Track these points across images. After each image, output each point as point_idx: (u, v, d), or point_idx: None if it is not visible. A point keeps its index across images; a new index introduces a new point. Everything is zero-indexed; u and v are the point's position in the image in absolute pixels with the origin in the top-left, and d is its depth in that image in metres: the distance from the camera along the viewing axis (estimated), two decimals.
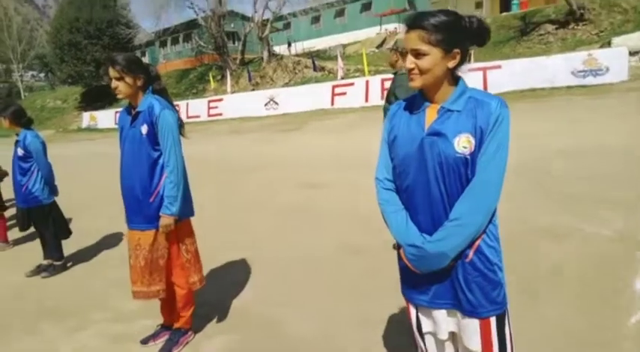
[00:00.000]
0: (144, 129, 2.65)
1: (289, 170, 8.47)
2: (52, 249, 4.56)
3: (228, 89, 25.15)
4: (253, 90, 24.70)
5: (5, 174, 5.37)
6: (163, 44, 37.90)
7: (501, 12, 28.25)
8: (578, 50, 16.96)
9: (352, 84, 20.16)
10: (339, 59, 21.69)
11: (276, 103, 22.05)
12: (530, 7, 25.30)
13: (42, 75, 72.54)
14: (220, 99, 24.59)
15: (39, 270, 4.59)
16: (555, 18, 21.26)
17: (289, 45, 33.57)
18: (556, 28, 20.60)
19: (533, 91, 15.14)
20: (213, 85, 26.47)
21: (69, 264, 4.80)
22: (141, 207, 2.72)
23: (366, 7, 35.10)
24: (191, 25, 32.42)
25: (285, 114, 20.64)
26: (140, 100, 2.70)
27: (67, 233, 4.72)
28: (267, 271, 4.17)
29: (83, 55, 30.71)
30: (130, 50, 35.26)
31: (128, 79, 2.61)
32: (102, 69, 33.32)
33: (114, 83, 2.61)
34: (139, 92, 2.70)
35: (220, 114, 23.98)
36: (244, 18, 32.58)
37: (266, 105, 22.07)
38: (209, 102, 24.77)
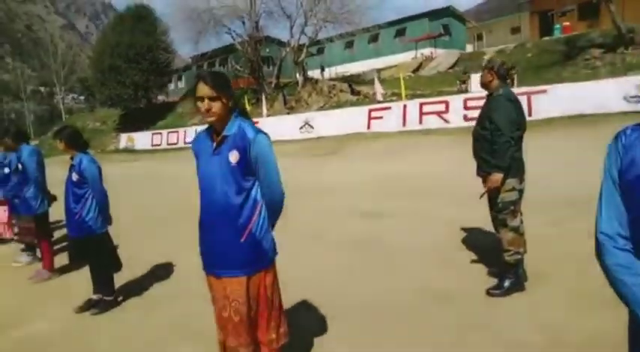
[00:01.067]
0: (233, 156, 2.26)
1: (340, 197, 8.05)
2: (103, 283, 4.23)
3: (264, 112, 25.20)
4: (288, 113, 24.68)
5: (54, 198, 5.12)
6: (200, 68, 38.72)
7: (542, 37, 27.63)
8: (630, 75, 16.16)
9: (389, 108, 19.85)
10: (377, 83, 21.43)
11: (311, 127, 21.88)
12: (574, 32, 24.63)
13: (82, 97, 75.50)
14: (256, 122, 24.44)
15: (89, 305, 4.24)
16: (602, 42, 20.53)
17: (322, 69, 33.75)
18: (603, 52, 19.85)
19: (582, 117, 14.39)
20: (248, 108, 26.55)
21: (119, 299, 4.45)
22: (228, 248, 2.31)
23: (400, 32, 35.07)
24: (227, 50, 33.02)
25: (321, 138, 20.40)
26: (228, 123, 2.31)
27: (119, 266, 4.38)
28: (338, 319, 3.63)
29: (123, 78, 31.56)
30: (168, 74, 36.17)
31: (224, 99, 2.24)
32: (187, 91, 33.81)
33: (207, 104, 2.19)
34: (228, 114, 2.31)
35: None
36: (279, 43, 32.99)
37: (301, 128, 21.93)
38: None
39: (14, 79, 55.57)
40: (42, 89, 69.09)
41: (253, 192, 2.31)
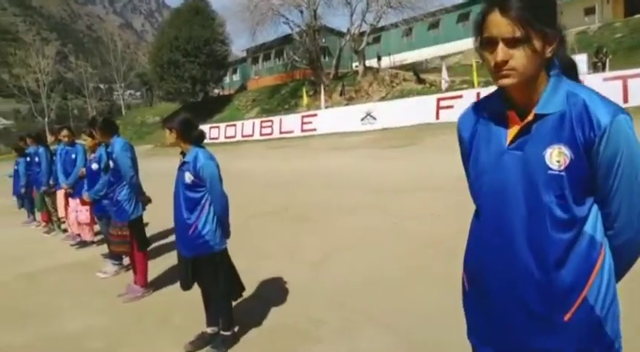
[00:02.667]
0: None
1: (428, 197, 7.02)
2: (221, 312, 3.21)
3: (322, 104, 24.49)
4: (347, 105, 23.80)
5: (148, 200, 4.22)
6: (255, 61, 38.57)
7: (626, 16, 25.09)
8: None
9: (460, 96, 18.53)
10: (444, 71, 20.11)
11: (374, 118, 20.90)
12: None
13: (138, 93, 78.22)
14: (314, 115, 23.97)
15: (203, 341, 3.21)
16: None
17: (379, 59, 32.57)
18: None
19: None
20: (306, 100, 25.96)
21: (237, 329, 3.32)
22: None
23: (464, 17, 33.17)
24: (283, 41, 32.54)
25: (386, 130, 19.38)
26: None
27: (240, 290, 3.33)
28: None
29: (181, 72, 31.83)
30: (225, 67, 36.25)
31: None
32: (242, 84, 32.88)
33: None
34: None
35: (314, 130, 23.32)
36: (336, 33, 32.10)
37: (362, 120, 21.00)
38: (302, 117, 24.26)
39: (77, 77, 58.08)
40: (102, 86, 72.08)
41: None
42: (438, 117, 18.83)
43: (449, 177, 8.01)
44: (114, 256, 4.72)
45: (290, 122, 24.57)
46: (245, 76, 41.24)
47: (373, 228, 5.63)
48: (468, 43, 30.17)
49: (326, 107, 24.28)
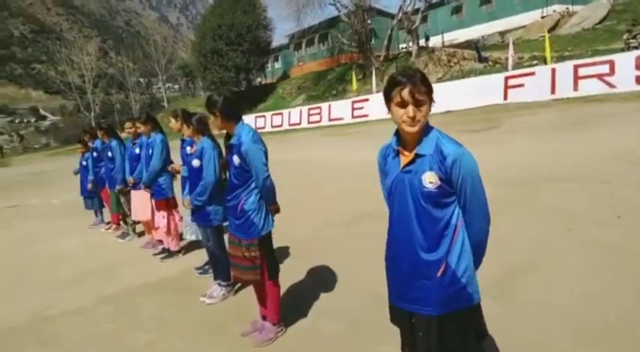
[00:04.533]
0: None
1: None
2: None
3: (374, 88, 23.23)
4: None
5: (278, 210, 3.13)
6: (297, 47, 37.43)
7: None
8: None
9: (532, 73, 16.88)
10: (511, 46, 18.37)
11: (433, 101, 19.51)
12: None
13: (176, 86, 78.90)
14: (366, 100, 22.76)
15: None
16: None
17: (427, 39, 30.79)
18: None
19: None
20: (355, 85, 24.72)
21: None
22: None
23: None
24: (328, 25, 31.25)
25: (450, 112, 17.97)
26: None
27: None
28: None
29: (225, 61, 31.13)
30: (268, 54, 35.37)
31: None
32: (284, 71, 32.53)
33: None
34: None
35: (366, 116, 22.18)
36: (383, 14, 30.46)
37: None
38: (353, 102, 23.11)
39: (118, 72, 58.81)
40: (141, 80, 73.20)
41: None
42: (506, 98, 17.35)
43: (575, 164, 6.76)
44: (220, 274, 3.82)
45: (339, 108, 23.47)
46: (287, 64, 40.21)
47: (547, 239, 4.23)
48: (522, 19, 28.15)
49: (377, 91, 23.03)
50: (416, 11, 23.53)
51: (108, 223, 7.20)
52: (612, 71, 14.68)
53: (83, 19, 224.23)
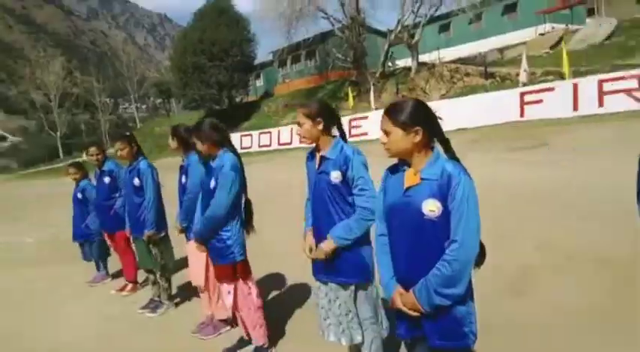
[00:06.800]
0: None
1: None
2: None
3: (372, 105, 21.99)
4: None
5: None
6: (282, 64, 35.97)
7: None
8: None
9: (551, 89, 15.98)
10: (524, 62, 17.48)
11: (439, 118, 18.31)
12: None
13: (144, 106, 76.19)
14: (364, 117, 21.43)
15: None
16: None
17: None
18: None
19: None
20: (351, 102, 23.39)
21: None
22: None
23: (510, 8, 30.60)
24: (316, 41, 30.00)
25: (460, 130, 16.79)
26: None
27: None
28: None
29: (207, 77, 29.29)
30: (252, 70, 33.77)
31: None
32: (266, 89, 30.84)
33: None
34: None
35: (365, 134, 20.81)
36: (375, 31, 29.44)
37: None
38: (350, 120, 21.72)
39: (84, 92, 56.07)
40: (108, 100, 70.73)
41: None
42: (522, 115, 16.34)
43: None
44: None
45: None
46: (270, 81, 38.66)
47: None
48: (517, 36, 27.74)
49: (376, 108, 21.76)
50: (416, 25, 22.57)
51: (111, 276, 5.23)
52: None
53: (47, 38, 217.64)
